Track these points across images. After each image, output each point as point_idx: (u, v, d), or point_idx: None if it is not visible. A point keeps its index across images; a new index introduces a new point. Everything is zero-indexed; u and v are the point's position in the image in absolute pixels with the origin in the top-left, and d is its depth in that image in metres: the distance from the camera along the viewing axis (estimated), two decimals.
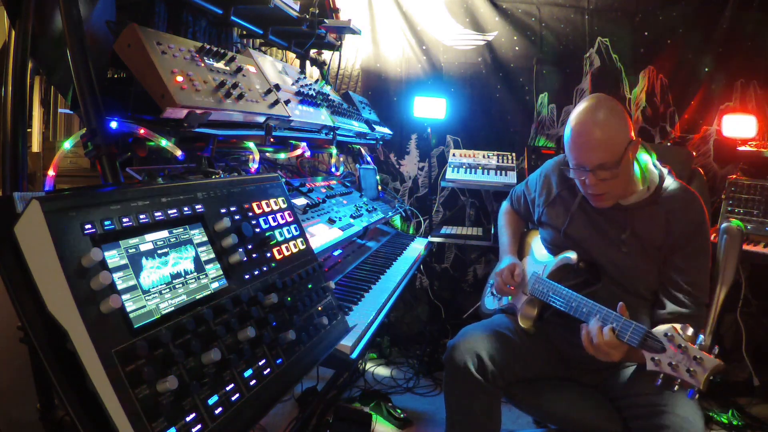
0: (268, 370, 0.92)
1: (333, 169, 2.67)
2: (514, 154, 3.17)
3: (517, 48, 3.34)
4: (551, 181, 1.85)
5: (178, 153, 1.25)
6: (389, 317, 3.19)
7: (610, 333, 1.38)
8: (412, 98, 3.19)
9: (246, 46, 2.18)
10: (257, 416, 0.86)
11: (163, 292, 0.80)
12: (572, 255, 1.67)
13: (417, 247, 2.59)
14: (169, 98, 1.14)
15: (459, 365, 1.67)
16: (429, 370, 3.10)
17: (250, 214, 1.09)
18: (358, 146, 3.03)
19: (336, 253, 2.05)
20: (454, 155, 3.21)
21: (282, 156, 2.00)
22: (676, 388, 1.23)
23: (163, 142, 1.22)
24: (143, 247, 0.80)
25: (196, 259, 0.90)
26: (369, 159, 3.15)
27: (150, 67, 1.15)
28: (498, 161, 3.14)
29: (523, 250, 1.98)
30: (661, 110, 3.24)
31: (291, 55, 2.96)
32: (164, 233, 0.85)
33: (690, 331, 1.25)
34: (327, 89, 2.45)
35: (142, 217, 0.81)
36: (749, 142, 2.88)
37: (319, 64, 2.96)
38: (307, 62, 2.85)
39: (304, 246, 1.23)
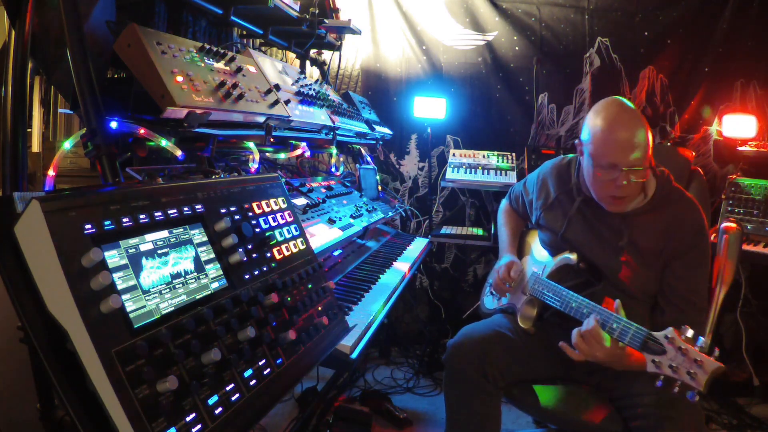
0: (268, 370, 0.91)
1: (333, 169, 2.67)
2: (514, 154, 3.18)
3: (517, 48, 3.34)
4: (549, 185, 1.84)
5: (178, 153, 1.25)
6: (389, 317, 3.19)
7: (594, 323, 1.39)
8: (412, 98, 3.19)
9: (246, 46, 2.18)
10: (257, 416, 0.86)
11: (163, 292, 0.80)
12: (572, 256, 1.67)
13: (417, 247, 2.59)
14: (169, 98, 1.14)
15: (459, 365, 1.67)
16: (429, 370, 3.10)
17: (250, 214, 1.09)
18: (358, 146, 3.03)
19: (336, 253, 2.05)
20: (454, 155, 3.21)
21: (282, 156, 2.00)
22: (676, 390, 1.23)
23: (163, 142, 1.22)
24: (143, 247, 0.80)
25: (196, 259, 0.90)
26: (369, 159, 3.15)
27: (150, 67, 1.15)
28: (498, 161, 3.15)
29: (523, 250, 1.98)
30: (661, 110, 3.24)
31: (291, 55, 2.96)
32: (164, 233, 0.85)
33: (690, 332, 1.25)
34: (327, 89, 2.45)
35: (142, 217, 0.81)
36: (749, 142, 2.88)
37: (319, 64, 2.96)
38: (307, 62, 2.85)
39: (304, 246, 1.23)
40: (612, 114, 1.52)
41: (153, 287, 0.79)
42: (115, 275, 0.73)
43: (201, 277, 0.89)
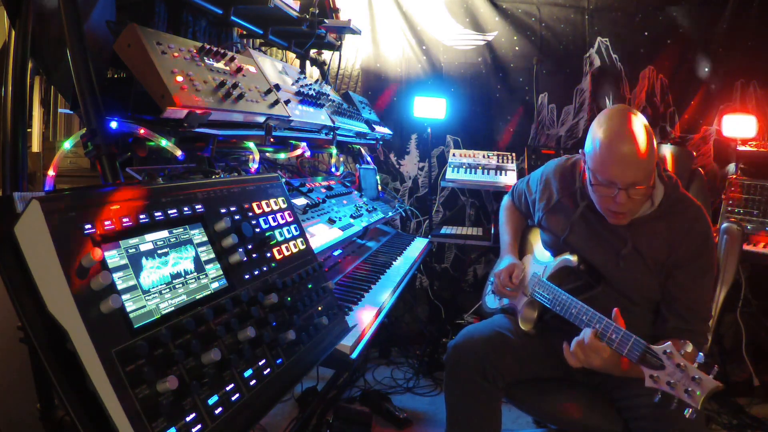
0: (268, 370, 0.92)
1: (333, 169, 2.67)
2: (514, 154, 3.17)
3: (517, 48, 3.34)
4: (552, 186, 1.81)
5: (178, 153, 1.25)
6: (389, 317, 3.19)
7: (591, 336, 1.37)
8: (412, 98, 3.19)
9: (246, 46, 2.18)
10: (257, 416, 0.86)
11: (163, 292, 0.80)
12: (572, 257, 1.66)
13: (417, 247, 2.59)
14: (169, 98, 1.14)
15: (460, 366, 1.67)
16: (429, 370, 3.10)
17: (250, 214, 1.09)
18: (358, 146, 3.03)
19: (336, 253, 2.05)
20: (454, 155, 3.21)
21: (282, 156, 2.00)
22: (674, 406, 1.23)
23: (163, 142, 1.22)
24: (143, 247, 0.80)
25: (196, 259, 0.90)
26: (369, 159, 3.15)
27: (150, 67, 1.15)
28: (498, 161, 3.14)
29: (524, 248, 1.97)
30: (661, 110, 3.24)
31: (291, 55, 2.96)
32: (164, 233, 0.85)
33: (689, 347, 1.24)
34: (327, 89, 2.45)
35: (142, 217, 0.81)
36: (749, 142, 2.89)
37: (319, 64, 2.96)
38: (307, 62, 2.85)
39: (304, 246, 1.23)
40: (613, 129, 1.46)
41: (153, 287, 0.79)
42: (115, 275, 0.73)
43: (201, 277, 0.89)
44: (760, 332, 2.90)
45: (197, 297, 0.86)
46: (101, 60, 1.21)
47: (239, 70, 1.51)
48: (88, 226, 0.72)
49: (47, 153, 2.31)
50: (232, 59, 1.50)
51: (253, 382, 0.87)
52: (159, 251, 0.83)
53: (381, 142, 3.13)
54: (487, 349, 1.67)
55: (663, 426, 1.42)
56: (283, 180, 1.42)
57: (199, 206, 0.95)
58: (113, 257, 0.75)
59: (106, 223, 0.75)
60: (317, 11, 2.22)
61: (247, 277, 0.99)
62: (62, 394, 0.67)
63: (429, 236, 2.96)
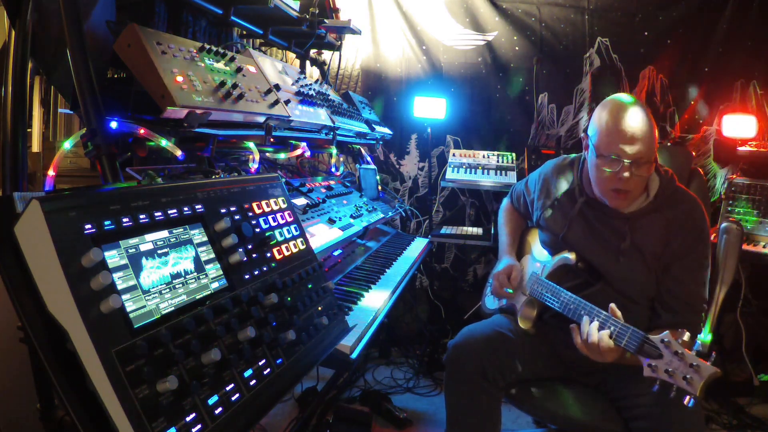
0: (268, 370, 0.91)
1: (333, 169, 2.67)
2: (514, 154, 3.18)
3: (517, 48, 3.34)
4: (550, 185, 1.83)
5: (178, 153, 1.25)
6: (389, 317, 3.19)
7: (606, 336, 1.37)
8: (412, 98, 3.19)
9: (246, 46, 2.18)
10: (257, 416, 0.86)
11: (163, 292, 0.80)
12: (571, 255, 1.67)
13: (417, 247, 2.59)
14: (169, 98, 1.14)
15: (460, 366, 1.67)
16: (429, 370, 3.10)
17: (250, 214, 1.09)
18: (358, 146, 3.03)
19: (336, 253, 2.05)
20: (454, 155, 3.21)
21: (282, 156, 2.00)
22: (672, 394, 1.23)
23: (163, 142, 1.22)
24: (143, 247, 0.80)
25: (196, 259, 0.90)
26: (369, 159, 3.15)
27: (150, 67, 1.15)
28: (498, 161, 3.14)
29: (523, 248, 1.97)
30: (661, 110, 3.24)
31: (291, 55, 2.96)
32: (164, 233, 0.85)
33: (686, 336, 1.24)
34: (327, 89, 2.45)
35: (142, 217, 0.81)
36: (749, 142, 2.88)
37: (319, 64, 2.96)
38: (307, 62, 2.85)
39: (304, 246, 1.23)
40: (619, 107, 1.52)
41: (153, 287, 0.79)
42: (115, 275, 0.73)
43: (201, 277, 0.89)
44: (760, 332, 2.90)
45: (197, 297, 0.86)
46: (101, 60, 1.21)
47: (239, 70, 1.51)
48: (88, 226, 0.72)
49: (47, 153, 2.31)
50: (232, 59, 1.50)
51: (253, 382, 0.87)
52: (159, 251, 0.83)
53: (381, 142, 3.13)
54: (487, 348, 1.67)
55: (663, 426, 1.42)
56: (283, 180, 1.42)
57: (199, 206, 0.95)
58: (113, 257, 0.74)
59: (106, 223, 0.75)
60: (317, 11, 2.22)
61: (247, 277, 0.99)
62: (62, 394, 0.67)
63: (429, 236, 2.96)
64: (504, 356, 1.67)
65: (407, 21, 3.42)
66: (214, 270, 0.93)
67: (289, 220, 1.21)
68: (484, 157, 3.17)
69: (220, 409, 0.78)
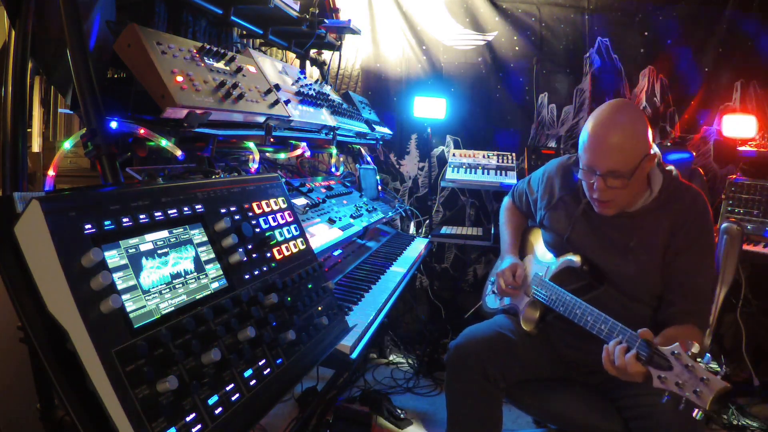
0: (268, 370, 0.91)
1: (333, 169, 2.67)
2: (514, 154, 3.18)
3: (517, 48, 3.34)
4: (554, 184, 1.81)
5: (178, 153, 1.25)
6: (389, 317, 3.19)
7: (633, 361, 1.32)
8: (412, 98, 3.19)
9: (246, 46, 2.18)
10: (257, 416, 0.86)
11: (163, 292, 0.80)
12: (575, 258, 1.65)
13: (417, 247, 2.59)
14: (169, 98, 1.14)
15: (461, 367, 1.67)
16: (429, 370, 3.10)
17: (250, 214, 1.09)
18: (358, 146, 3.03)
19: (336, 253, 2.04)
20: (454, 155, 3.21)
21: (282, 156, 2.00)
22: (682, 406, 1.23)
23: (163, 142, 1.22)
24: (143, 247, 0.80)
25: (196, 259, 0.90)
26: (369, 159, 3.15)
27: (150, 67, 1.15)
28: (498, 161, 3.14)
29: (525, 249, 1.97)
30: (661, 110, 3.23)
31: (291, 55, 2.96)
32: (164, 233, 0.85)
33: (696, 348, 1.24)
34: (327, 89, 2.45)
35: (142, 217, 0.81)
36: (749, 142, 2.88)
37: (319, 64, 2.96)
38: (307, 62, 2.85)
39: (304, 246, 1.23)
40: (601, 118, 1.51)
41: (153, 287, 0.79)
42: (115, 275, 0.73)
43: (201, 277, 0.89)
44: (760, 332, 2.90)
45: (197, 297, 0.86)
46: (101, 60, 1.21)
47: (239, 70, 1.51)
48: (88, 226, 0.72)
49: (47, 153, 2.31)
50: (232, 59, 1.50)
51: (253, 382, 0.87)
52: (159, 251, 0.83)
53: (381, 142, 3.13)
54: (488, 349, 1.67)
55: (663, 426, 1.42)
56: (283, 180, 1.42)
57: (199, 206, 0.95)
58: (113, 257, 0.75)
59: (106, 223, 0.75)
60: (317, 11, 2.23)
61: (247, 277, 0.99)
62: (62, 394, 0.67)
63: (429, 236, 2.95)
64: (505, 357, 1.67)
65: (407, 21, 3.42)
66: (214, 270, 0.93)
67: (289, 220, 1.21)
68: (484, 157, 3.17)
69: (220, 409, 0.78)
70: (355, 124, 2.50)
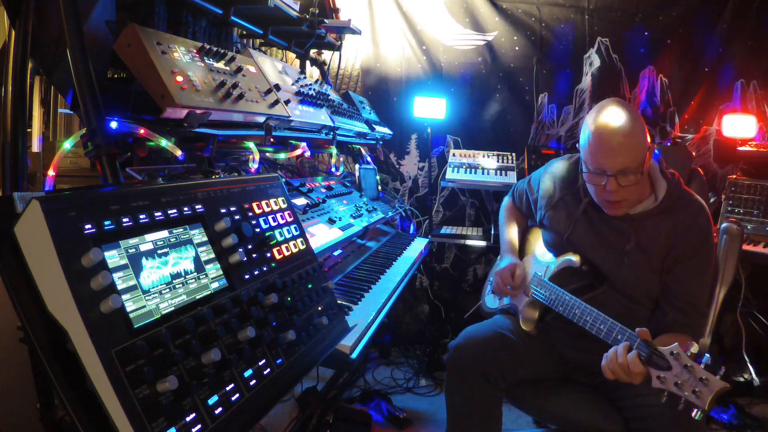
0: (268, 370, 0.91)
1: (333, 169, 2.67)
2: (514, 154, 3.18)
3: (517, 48, 3.34)
4: (554, 184, 1.81)
5: (178, 153, 1.25)
6: (389, 317, 3.19)
7: (635, 360, 1.32)
8: (412, 98, 3.19)
9: (246, 46, 2.18)
10: (257, 416, 0.86)
11: (163, 292, 0.80)
12: (575, 258, 1.65)
13: (417, 247, 2.58)
14: (169, 98, 1.14)
15: (461, 367, 1.67)
16: (429, 370, 3.10)
17: (250, 214, 1.09)
18: (358, 146, 3.03)
19: (336, 253, 2.04)
20: (454, 155, 3.22)
21: (282, 156, 2.00)
22: (681, 407, 1.23)
23: (163, 142, 1.22)
24: (143, 247, 0.80)
25: (196, 259, 0.90)
26: (369, 159, 3.15)
27: (150, 67, 1.15)
28: (498, 161, 3.14)
29: (524, 249, 1.97)
30: (661, 110, 3.24)
31: (291, 55, 2.96)
32: (164, 233, 0.85)
33: (695, 348, 1.24)
34: (327, 89, 2.45)
35: (142, 217, 0.81)
36: (749, 142, 2.88)
37: (319, 64, 2.96)
38: (307, 62, 2.85)
39: (304, 246, 1.23)
40: (602, 118, 1.51)
41: (153, 287, 0.79)
42: (115, 275, 0.73)
43: (201, 277, 0.89)
44: (760, 332, 2.90)
45: (197, 297, 0.86)
46: (101, 60, 1.21)
47: (239, 70, 1.51)
48: (88, 226, 0.72)
49: (47, 153, 2.30)
50: (232, 59, 1.50)
51: (253, 382, 0.87)
52: (159, 251, 0.83)
53: (381, 142, 3.13)
54: (488, 349, 1.67)
55: (663, 426, 1.42)
56: (283, 180, 1.42)
57: (199, 206, 0.95)
58: (113, 257, 0.75)
59: (106, 223, 0.75)
60: (317, 11, 2.22)
61: (247, 277, 0.99)
62: (62, 394, 0.67)
63: (429, 236, 2.95)
64: (505, 357, 1.67)
65: (407, 21, 3.42)
66: (214, 270, 0.93)
67: (289, 220, 1.21)
68: (484, 157, 3.17)
69: (220, 409, 0.78)
70: (355, 124, 2.50)
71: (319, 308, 1.17)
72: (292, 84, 1.96)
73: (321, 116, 2.06)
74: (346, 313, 1.46)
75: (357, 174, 2.71)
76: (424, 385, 2.98)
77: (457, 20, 3.38)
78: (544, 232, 1.86)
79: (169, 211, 0.87)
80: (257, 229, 1.08)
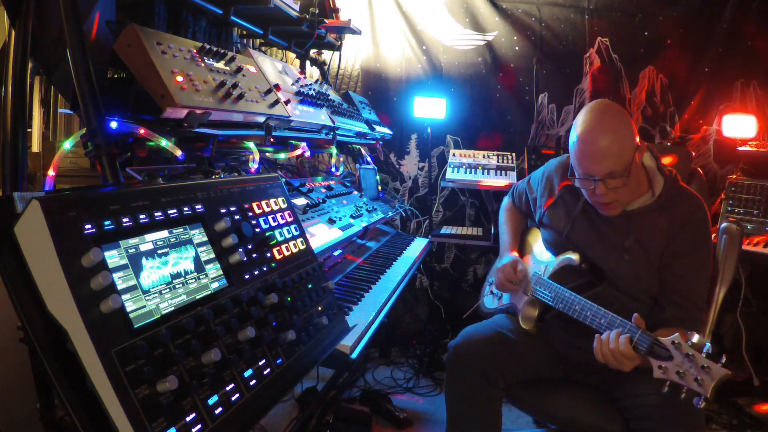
0: (268, 370, 0.92)
1: (333, 169, 2.67)
2: (514, 154, 3.18)
3: (517, 48, 3.34)
4: (553, 183, 1.82)
5: (178, 153, 1.25)
6: (389, 317, 3.19)
7: (626, 343, 1.35)
8: (412, 98, 3.19)
9: (246, 46, 2.18)
10: (257, 416, 0.86)
11: (163, 292, 0.80)
12: (574, 256, 1.66)
13: (417, 247, 2.58)
14: (169, 98, 1.14)
15: (460, 367, 1.67)
16: (429, 370, 3.10)
17: (250, 214, 1.09)
18: (358, 146, 3.03)
19: (336, 253, 2.04)
20: (454, 155, 3.22)
21: (282, 156, 2.00)
22: (683, 396, 1.24)
23: (163, 142, 1.22)
24: (143, 247, 0.80)
25: (196, 259, 0.90)
26: (369, 159, 3.15)
27: (150, 67, 1.15)
28: (498, 161, 3.15)
29: (523, 249, 1.97)
30: (661, 110, 3.24)
31: (291, 55, 2.96)
32: (164, 233, 0.85)
33: (696, 338, 1.25)
34: (327, 89, 2.45)
35: (142, 217, 0.81)
36: (749, 142, 2.88)
37: (319, 64, 2.96)
38: (307, 62, 2.85)
39: (304, 246, 1.23)
40: (582, 123, 1.52)
41: (153, 287, 0.79)
42: (115, 275, 0.73)
43: (201, 277, 0.89)
44: (760, 332, 2.90)
45: (197, 297, 0.86)
46: (101, 60, 1.21)
47: (239, 70, 1.51)
48: (88, 226, 0.72)
49: (47, 153, 2.30)
50: (232, 59, 1.50)
51: (253, 382, 0.87)
52: (159, 251, 0.83)
53: (381, 142, 3.13)
54: (487, 349, 1.67)
55: (663, 426, 1.42)
56: (283, 180, 1.42)
57: (199, 206, 0.95)
58: (113, 257, 0.75)
59: (106, 223, 0.75)
60: (317, 11, 2.23)
61: (247, 277, 0.99)
62: (62, 394, 0.67)
63: (429, 236, 2.95)
64: (505, 357, 1.67)
65: (407, 21, 3.42)
66: (214, 270, 0.93)
67: (289, 220, 1.21)
68: (484, 157, 3.17)
69: (220, 409, 0.78)
70: (355, 124, 2.50)
71: (319, 308, 1.17)
72: (292, 84, 1.96)
73: (321, 116, 2.06)
74: (346, 313, 1.46)
75: (357, 174, 2.71)
76: (424, 385, 2.98)
77: (457, 20, 3.38)
78: (544, 231, 1.86)
79: (169, 211, 0.87)
80: (257, 229, 1.08)
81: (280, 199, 1.22)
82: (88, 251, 0.70)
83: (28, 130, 2.16)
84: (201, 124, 1.26)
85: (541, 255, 1.84)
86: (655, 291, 1.59)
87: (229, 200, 1.04)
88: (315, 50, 2.88)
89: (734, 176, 2.77)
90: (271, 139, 1.64)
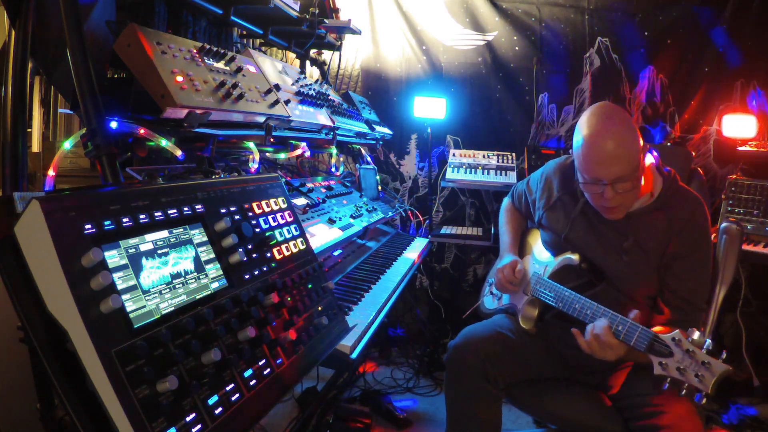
0: (268, 370, 0.92)
1: (333, 169, 2.67)
2: (514, 154, 3.18)
3: (517, 48, 3.34)
4: (552, 184, 1.82)
5: (178, 153, 1.25)
6: (389, 317, 3.19)
7: (607, 331, 1.38)
8: (412, 98, 3.19)
9: (246, 46, 2.18)
10: (257, 416, 0.86)
11: (163, 292, 0.80)
12: (574, 256, 1.66)
13: (417, 247, 2.58)
14: (169, 98, 1.14)
15: (460, 367, 1.67)
16: (429, 370, 3.10)
17: (250, 214, 1.09)
18: (358, 146, 3.03)
19: (336, 253, 2.04)
20: (454, 155, 3.22)
21: (282, 156, 2.00)
22: (683, 392, 1.23)
23: (163, 142, 1.22)
24: (143, 247, 0.80)
25: (196, 259, 0.90)
26: (369, 159, 3.15)
27: (150, 67, 1.15)
28: (498, 161, 3.15)
29: (523, 249, 1.97)
30: (661, 110, 3.24)
31: (291, 55, 2.96)
32: (164, 233, 0.85)
33: (696, 334, 1.24)
34: (327, 89, 2.45)
35: (142, 217, 0.81)
36: (749, 142, 2.88)
37: (319, 64, 2.96)
38: (307, 62, 2.85)
39: (304, 246, 1.23)
40: (588, 127, 1.49)
41: (153, 287, 0.79)
42: (115, 275, 0.73)
43: (201, 277, 0.89)
44: (760, 332, 2.90)
45: (197, 297, 0.86)
46: (101, 60, 1.21)
47: (239, 70, 1.51)
48: (88, 226, 0.72)
49: (47, 153, 2.30)
50: (232, 59, 1.50)
51: (253, 382, 0.87)
52: (159, 251, 0.83)
53: (381, 142, 3.13)
54: (487, 349, 1.67)
55: (663, 426, 1.42)
56: (283, 180, 1.42)
57: (199, 206, 0.95)
58: (113, 257, 0.75)
59: (106, 223, 0.75)
60: (317, 11, 2.22)
61: (247, 277, 0.99)
62: (62, 394, 0.67)
63: (429, 236, 2.95)
64: (504, 357, 1.67)
65: (407, 21, 3.42)
66: (214, 270, 0.93)
67: (289, 220, 1.21)
68: (484, 157, 3.17)
69: (220, 409, 0.78)
70: (355, 124, 2.50)
71: (319, 308, 1.17)
72: (292, 84, 1.96)
73: (321, 116, 2.06)
74: (346, 313, 1.46)
75: (357, 174, 2.71)
76: (424, 385, 2.98)
77: (457, 20, 3.38)
78: (543, 232, 1.86)
79: (169, 211, 0.87)
80: (257, 229, 1.08)
81: (280, 199, 1.22)
82: (88, 251, 0.70)
83: (28, 130, 2.16)
84: (201, 124, 1.26)
85: (540, 255, 1.85)
86: (654, 292, 1.59)
87: (229, 200, 1.04)
88: (315, 50, 2.88)
89: (734, 176, 2.77)
90: (271, 139, 1.64)
